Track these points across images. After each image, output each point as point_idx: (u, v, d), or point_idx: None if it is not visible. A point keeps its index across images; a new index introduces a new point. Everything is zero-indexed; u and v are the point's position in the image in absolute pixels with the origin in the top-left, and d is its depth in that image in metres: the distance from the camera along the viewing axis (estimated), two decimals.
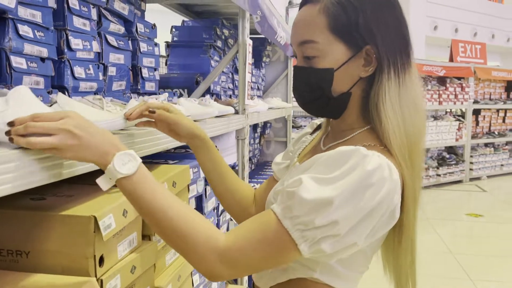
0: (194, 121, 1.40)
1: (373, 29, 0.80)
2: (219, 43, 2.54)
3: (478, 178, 7.96)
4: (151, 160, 1.27)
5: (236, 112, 2.03)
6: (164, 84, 2.28)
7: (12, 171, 0.61)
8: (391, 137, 0.78)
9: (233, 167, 2.47)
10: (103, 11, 1.38)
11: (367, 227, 0.71)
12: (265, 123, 3.93)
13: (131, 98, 1.53)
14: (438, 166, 7.23)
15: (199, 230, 0.71)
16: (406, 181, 0.77)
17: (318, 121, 1.06)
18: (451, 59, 7.61)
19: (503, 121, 8.80)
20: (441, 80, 7.53)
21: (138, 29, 1.60)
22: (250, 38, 3.27)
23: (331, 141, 0.89)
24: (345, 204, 0.68)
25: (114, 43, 1.43)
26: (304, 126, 5.82)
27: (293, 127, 5.48)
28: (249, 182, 2.92)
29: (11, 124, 0.63)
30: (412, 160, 0.78)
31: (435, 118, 7.35)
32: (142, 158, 0.74)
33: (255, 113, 2.39)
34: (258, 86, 3.59)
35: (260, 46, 3.64)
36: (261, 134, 3.89)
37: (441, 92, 7.15)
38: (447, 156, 7.53)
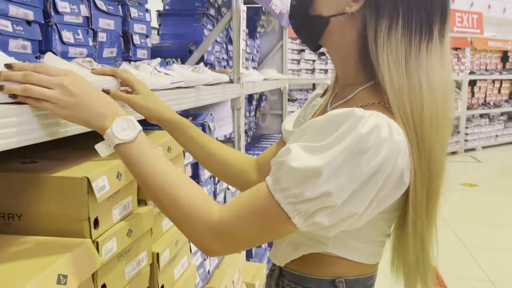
0: (187, 88, 1.38)
1: None
2: (212, 11, 2.48)
3: (473, 149, 8.01)
4: (144, 127, 1.25)
5: (231, 81, 1.99)
6: (157, 53, 2.23)
7: (15, 125, 0.59)
8: (394, 100, 0.68)
9: (229, 138, 2.44)
10: None
11: (367, 196, 0.64)
12: (261, 95, 3.90)
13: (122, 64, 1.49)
14: None
15: (194, 201, 0.68)
16: (412, 151, 0.66)
17: (329, 81, 0.94)
18: None
19: (499, 91, 8.79)
20: None
21: None
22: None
23: (337, 100, 0.80)
24: (336, 173, 0.62)
25: (104, 8, 1.38)
26: (300, 99, 5.79)
27: (288, 100, 5.45)
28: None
29: (8, 66, 0.61)
30: (422, 130, 0.67)
31: None
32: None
33: (250, 83, 2.35)
34: (252, 57, 3.53)
35: (255, 16, 3.57)
36: (257, 106, 3.86)
37: None
38: None
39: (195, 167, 1.43)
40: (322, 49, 0.86)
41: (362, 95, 0.74)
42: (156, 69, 1.27)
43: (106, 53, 1.43)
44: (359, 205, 0.64)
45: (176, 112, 0.99)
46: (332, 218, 0.64)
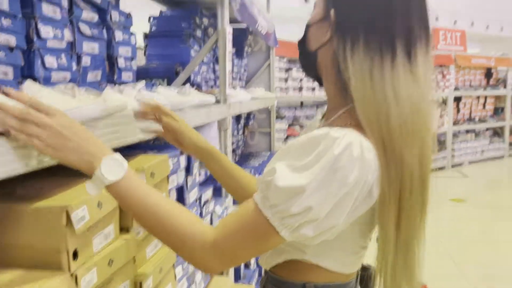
0: (174, 109, 1.38)
1: (351, 12, 0.77)
2: (198, 33, 2.50)
3: (460, 164, 8.09)
4: (126, 153, 1.24)
5: (218, 102, 2.00)
6: (143, 75, 2.23)
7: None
8: (361, 113, 0.74)
9: None
10: None
11: (344, 209, 0.70)
12: (249, 114, 3.91)
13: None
14: None
15: (186, 227, 0.73)
16: (381, 164, 0.72)
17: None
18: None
19: (483, 107, 8.93)
20: None
21: (113, 18, 1.55)
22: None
23: (325, 123, 0.85)
24: (317, 191, 0.68)
25: (88, 32, 1.38)
26: (288, 116, 5.82)
27: (277, 117, 5.47)
28: None
29: (6, 94, 0.65)
30: (393, 144, 0.72)
31: None
32: (119, 148, 0.71)
33: (237, 103, 2.36)
34: (240, 76, 3.56)
35: (241, 36, 3.60)
36: (245, 125, 3.87)
37: None
38: None
39: (179, 191, 1.42)
40: None
41: (343, 117, 0.80)
42: (140, 92, 1.26)
43: (91, 77, 1.42)
44: (338, 217, 0.70)
45: None
46: (316, 230, 0.70)
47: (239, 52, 3.63)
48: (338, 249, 0.81)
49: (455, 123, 7.99)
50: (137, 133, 1.02)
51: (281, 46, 5.45)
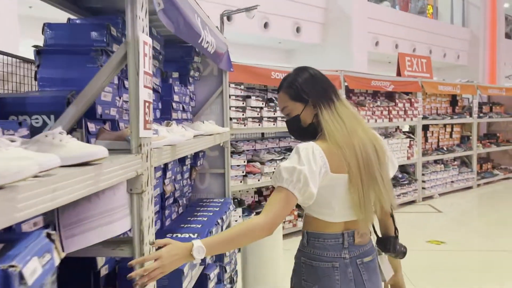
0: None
1: (305, 90, 1.57)
2: (115, 48, 1.78)
3: (430, 197, 7.64)
4: None
5: (128, 151, 1.27)
6: (19, 109, 1.48)
7: None
8: (328, 136, 1.49)
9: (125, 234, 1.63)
10: None
11: (316, 172, 1.40)
12: (197, 152, 3.17)
13: None
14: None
15: (247, 231, 1.36)
16: (331, 155, 1.45)
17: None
18: (398, 74, 7.29)
19: (450, 136, 8.62)
20: (390, 96, 7.17)
21: None
22: (171, 44, 2.51)
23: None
24: (299, 164, 1.40)
25: None
26: (248, 150, 5.13)
27: (234, 152, 4.76)
28: (173, 236, 2.13)
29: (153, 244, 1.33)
30: (342, 148, 1.45)
31: (386, 135, 6.94)
32: None
33: (166, 147, 1.63)
34: (184, 107, 2.83)
35: (186, 57, 2.90)
36: (192, 166, 3.12)
37: (390, 108, 6.76)
38: (400, 175, 7.13)
39: None
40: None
41: (319, 138, 1.53)
42: None
43: None
44: (315, 183, 1.41)
45: None
46: (315, 185, 1.39)
47: (183, 77, 2.92)
48: (320, 205, 1.49)
49: (424, 153, 7.57)
50: None
51: (238, 71, 4.81)
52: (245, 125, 4.72)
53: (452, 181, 8.12)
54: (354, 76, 6.20)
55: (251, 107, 4.80)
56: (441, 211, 6.75)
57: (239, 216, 4.73)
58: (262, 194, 5.47)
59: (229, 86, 4.67)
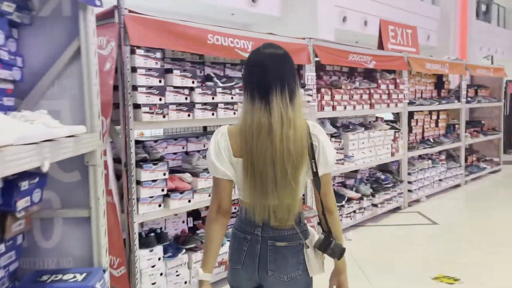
0: None
1: (243, 72, 1.72)
2: None
3: (417, 201, 6.20)
4: None
5: None
6: None
7: None
8: (238, 125, 1.57)
9: None
10: None
11: (222, 154, 1.55)
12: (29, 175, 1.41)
13: None
14: (373, 193, 5.26)
15: (208, 226, 1.60)
16: (234, 139, 1.56)
17: None
18: (380, 46, 5.72)
19: (436, 125, 7.21)
20: (369, 76, 5.61)
21: None
22: None
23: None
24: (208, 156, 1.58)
25: None
26: (172, 154, 3.38)
27: (145, 160, 2.97)
28: None
29: None
30: (245, 134, 1.52)
31: (366, 127, 5.37)
32: None
33: None
34: None
35: None
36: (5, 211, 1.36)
37: (372, 91, 5.19)
38: (382, 177, 5.61)
39: None
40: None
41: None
42: None
43: None
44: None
45: None
46: (223, 165, 1.55)
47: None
48: (238, 185, 1.59)
49: (409, 147, 6.10)
50: None
51: (152, 30, 3.03)
52: (164, 116, 2.97)
53: (440, 180, 6.73)
54: (327, 47, 4.55)
55: (174, 87, 3.05)
56: (436, 222, 5.29)
57: (159, 259, 3.01)
58: (199, 216, 3.76)
59: (135, 52, 2.88)
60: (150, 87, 2.91)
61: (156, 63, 2.98)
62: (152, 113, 2.91)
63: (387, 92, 5.45)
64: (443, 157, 6.96)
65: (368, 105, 5.13)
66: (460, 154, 7.35)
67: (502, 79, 8.79)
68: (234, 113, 3.42)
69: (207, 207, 3.70)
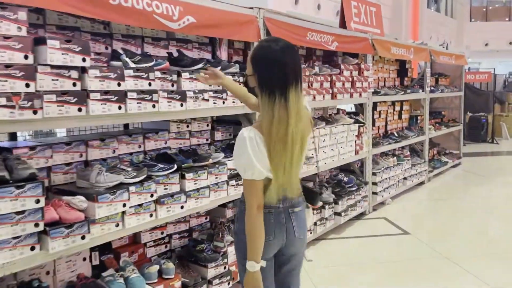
0: None
1: (257, 68, 1.75)
2: None
3: (382, 203, 5.48)
4: None
5: None
6: None
7: None
8: (262, 123, 1.70)
9: None
10: None
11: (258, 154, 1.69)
12: None
13: None
14: (336, 199, 4.43)
15: (251, 225, 1.71)
16: (265, 139, 1.68)
17: None
18: (342, 25, 4.86)
19: (399, 116, 6.53)
20: (330, 60, 4.75)
21: None
22: None
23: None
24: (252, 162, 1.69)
25: None
26: (55, 166, 2.31)
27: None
28: None
29: None
30: (271, 136, 1.66)
31: (327, 121, 4.50)
32: None
33: None
34: None
35: None
36: None
37: (334, 78, 4.33)
38: (346, 179, 4.79)
39: None
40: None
41: (258, 121, 1.79)
42: None
43: None
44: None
45: None
46: (262, 166, 1.70)
47: None
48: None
49: (374, 142, 5.33)
50: None
51: None
52: (35, 112, 1.90)
53: (405, 178, 6.06)
54: (282, 21, 3.61)
55: (52, 67, 1.99)
56: (407, 231, 4.56)
57: None
58: (110, 247, 2.72)
59: None
60: (8, 67, 1.83)
61: (19, 28, 1.89)
62: (12, 107, 1.83)
63: (350, 79, 4.62)
64: (407, 152, 6.29)
65: (329, 95, 4.26)
66: (424, 149, 6.73)
67: (462, 67, 8.30)
68: (154, 106, 2.40)
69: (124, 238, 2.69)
